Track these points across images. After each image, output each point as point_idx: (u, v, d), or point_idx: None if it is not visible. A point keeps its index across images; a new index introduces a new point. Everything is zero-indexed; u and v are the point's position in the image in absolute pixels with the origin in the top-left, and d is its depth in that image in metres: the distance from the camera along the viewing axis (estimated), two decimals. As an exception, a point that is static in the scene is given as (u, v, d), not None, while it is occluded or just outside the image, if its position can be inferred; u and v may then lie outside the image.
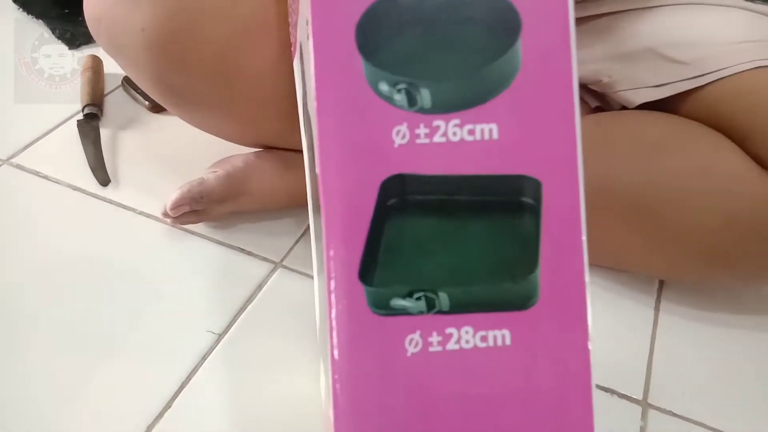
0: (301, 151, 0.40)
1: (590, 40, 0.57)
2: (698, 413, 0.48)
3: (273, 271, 0.55)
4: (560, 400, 0.32)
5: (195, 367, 0.47)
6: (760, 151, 0.47)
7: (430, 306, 0.31)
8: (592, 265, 0.33)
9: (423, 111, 0.30)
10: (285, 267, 0.55)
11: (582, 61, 0.56)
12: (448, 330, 0.30)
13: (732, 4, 0.54)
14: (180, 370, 0.47)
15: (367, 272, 0.30)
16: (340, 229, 0.30)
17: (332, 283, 0.30)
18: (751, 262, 0.49)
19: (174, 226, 0.57)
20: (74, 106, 0.71)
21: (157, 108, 0.70)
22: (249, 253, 0.56)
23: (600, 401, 0.46)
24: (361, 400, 0.30)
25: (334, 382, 0.30)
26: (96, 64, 0.74)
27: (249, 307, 0.52)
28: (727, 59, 0.51)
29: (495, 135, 0.30)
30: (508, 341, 0.31)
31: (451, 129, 0.30)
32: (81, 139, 0.65)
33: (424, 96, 0.30)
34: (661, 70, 0.53)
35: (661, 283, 0.56)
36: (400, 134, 0.30)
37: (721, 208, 0.48)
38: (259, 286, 0.53)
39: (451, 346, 0.30)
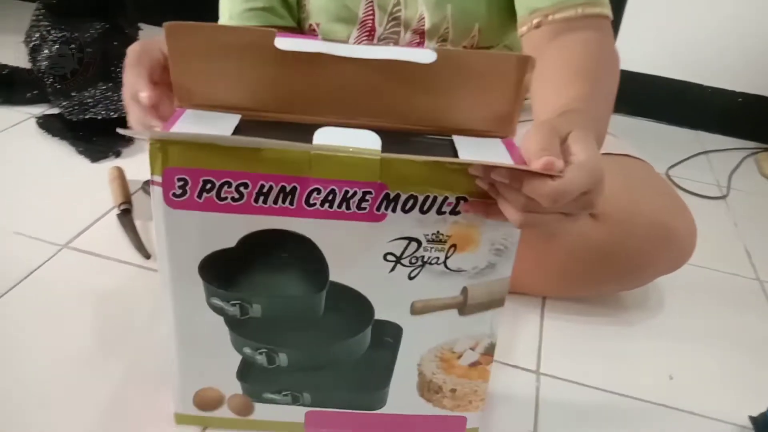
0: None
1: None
2: (575, 376, 0.74)
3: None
4: None
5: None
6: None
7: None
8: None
9: None
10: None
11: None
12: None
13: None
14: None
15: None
16: None
17: None
18: (588, 280, 0.78)
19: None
20: (107, 205, 0.93)
21: (174, 202, 0.93)
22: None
23: (507, 373, 0.72)
24: None
25: None
26: (121, 173, 0.97)
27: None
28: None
29: None
30: None
31: None
32: (122, 227, 0.87)
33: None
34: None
35: (544, 298, 0.84)
36: None
37: (569, 246, 0.76)
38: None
39: None
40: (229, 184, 0.47)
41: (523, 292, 0.83)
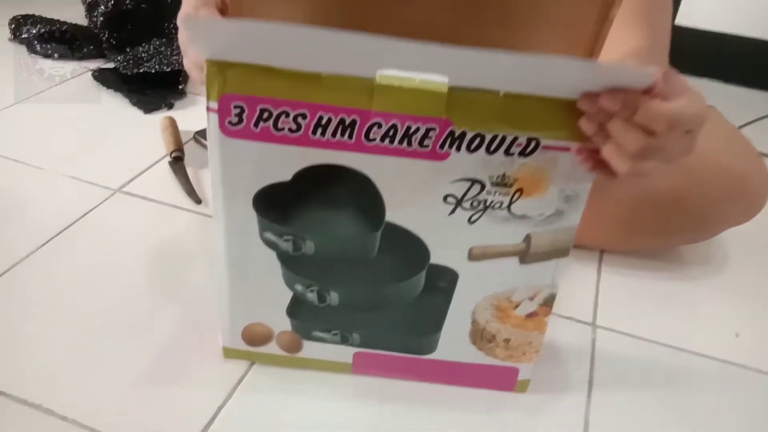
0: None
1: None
2: (634, 329, 0.71)
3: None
4: None
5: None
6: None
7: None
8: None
9: None
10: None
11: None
12: None
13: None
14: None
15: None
16: None
17: None
18: (654, 231, 0.74)
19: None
20: (159, 153, 0.94)
21: (225, 151, 0.93)
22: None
23: (563, 324, 0.70)
24: None
25: None
26: (172, 123, 0.97)
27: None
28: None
29: None
30: None
31: None
32: (174, 174, 0.88)
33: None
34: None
35: (601, 252, 0.81)
36: None
37: (635, 194, 0.72)
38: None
39: None
40: (287, 114, 0.45)
41: (580, 245, 0.80)
